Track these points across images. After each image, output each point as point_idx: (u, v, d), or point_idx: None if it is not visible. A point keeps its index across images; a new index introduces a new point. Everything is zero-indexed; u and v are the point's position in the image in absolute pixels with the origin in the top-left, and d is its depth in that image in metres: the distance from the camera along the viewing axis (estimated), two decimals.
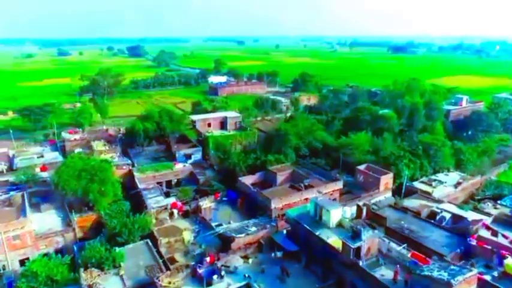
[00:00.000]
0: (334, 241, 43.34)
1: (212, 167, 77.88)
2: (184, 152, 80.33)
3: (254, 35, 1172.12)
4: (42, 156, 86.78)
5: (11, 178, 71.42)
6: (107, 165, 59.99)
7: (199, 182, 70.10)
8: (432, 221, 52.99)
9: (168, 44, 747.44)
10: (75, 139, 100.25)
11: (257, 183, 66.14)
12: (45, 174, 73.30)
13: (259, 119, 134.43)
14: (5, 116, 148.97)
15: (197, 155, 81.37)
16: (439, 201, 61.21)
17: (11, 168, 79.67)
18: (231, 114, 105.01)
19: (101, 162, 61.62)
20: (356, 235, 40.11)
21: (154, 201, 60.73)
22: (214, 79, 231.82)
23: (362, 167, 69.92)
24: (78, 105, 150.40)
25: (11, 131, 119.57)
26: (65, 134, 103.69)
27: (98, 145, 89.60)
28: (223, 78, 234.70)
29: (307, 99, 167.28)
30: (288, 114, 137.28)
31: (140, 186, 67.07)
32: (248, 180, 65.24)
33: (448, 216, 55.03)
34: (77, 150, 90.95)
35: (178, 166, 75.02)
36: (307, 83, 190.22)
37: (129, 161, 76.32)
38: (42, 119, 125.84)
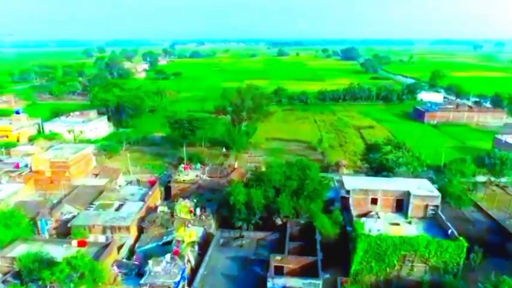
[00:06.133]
0: None
1: None
2: (285, 283, 38.69)
3: (497, 37, 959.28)
4: (118, 209, 60.64)
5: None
6: None
7: None
8: None
9: (388, 47, 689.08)
10: (183, 180, 72.20)
11: None
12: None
13: (482, 180, 78.01)
14: None
15: None
16: None
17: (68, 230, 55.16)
18: (420, 188, 55.85)
19: None
20: None
21: None
22: (425, 96, 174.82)
23: None
24: None
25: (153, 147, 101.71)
26: (181, 169, 77.47)
27: (183, 208, 57.12)
28: (439, 97, 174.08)
29: None
30: None
31: None
32: None
33: None
34: (161, 207, 61.44)
35: None
36: None
37: (178, 278, 40.46)
38: (189, 134, 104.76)
